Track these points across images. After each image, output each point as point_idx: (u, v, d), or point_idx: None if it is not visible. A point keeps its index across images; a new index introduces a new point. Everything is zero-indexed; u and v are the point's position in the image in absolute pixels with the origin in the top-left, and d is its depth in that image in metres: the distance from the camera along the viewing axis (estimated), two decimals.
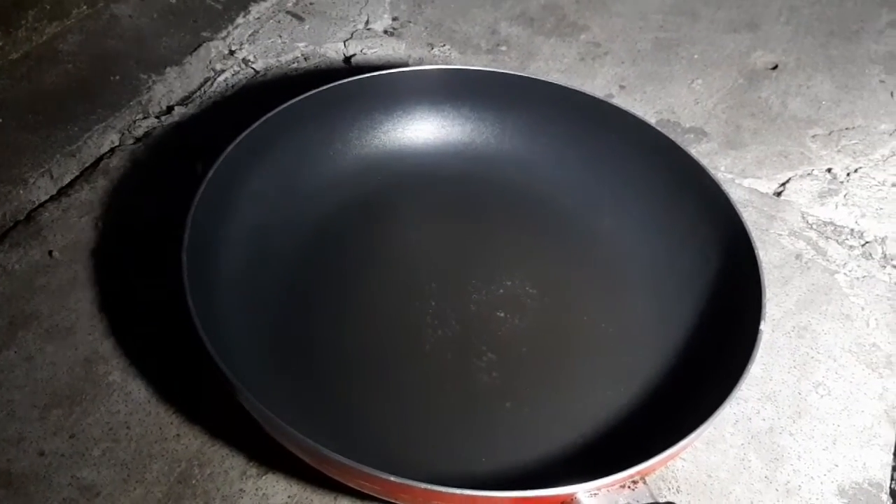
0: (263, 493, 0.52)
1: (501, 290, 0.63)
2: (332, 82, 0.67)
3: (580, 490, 0.44)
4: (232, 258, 0.59)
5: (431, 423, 0.56)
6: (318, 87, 0.66)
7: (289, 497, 0.52)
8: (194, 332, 0.48)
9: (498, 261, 0.65)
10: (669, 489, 0.54)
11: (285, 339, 0.58)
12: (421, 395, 0.57)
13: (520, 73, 0.71)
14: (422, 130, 0.72)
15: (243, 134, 0.61)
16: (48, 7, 0.80)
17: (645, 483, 0.47)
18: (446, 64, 0.87)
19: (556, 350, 0.60)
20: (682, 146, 0.64)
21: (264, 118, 0.63)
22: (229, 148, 0.60)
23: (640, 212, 0.66)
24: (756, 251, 0.57)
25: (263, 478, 0.53)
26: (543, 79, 0.70)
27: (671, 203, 0.65)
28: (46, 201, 0.69)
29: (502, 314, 0.61)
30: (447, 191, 0.71)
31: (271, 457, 0.53)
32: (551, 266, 0.65)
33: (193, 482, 0.52)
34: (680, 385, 0.56)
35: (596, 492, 0.45)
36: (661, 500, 0.46)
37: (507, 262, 0.65)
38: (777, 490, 0.55)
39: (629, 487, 0.46)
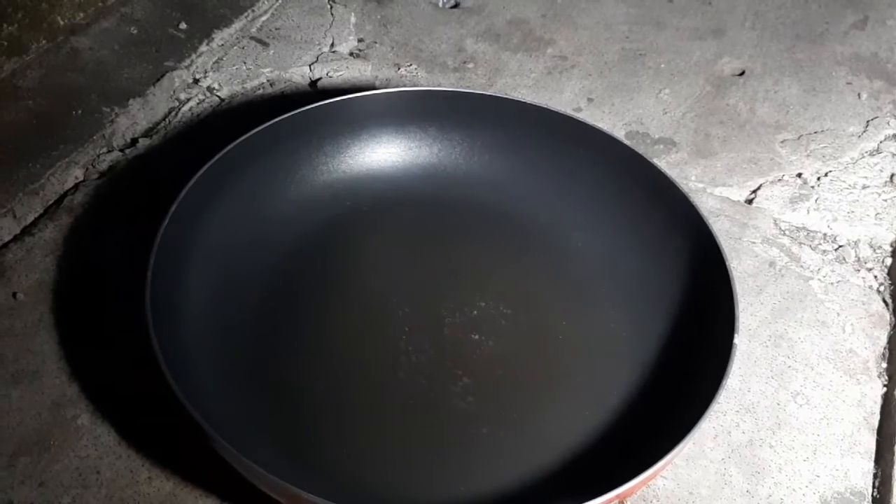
0: None
1: (475, 312, 0.62)
2: (296, 109, 0.67)
3: None
4: (198, 293, 0.58)
5: (408, 452, 0.55)
6: (282, 113, 0.66)
7: None
8: (161, 376, 0.47)
9: (471, 282, 0.65)
10: None
11: (256, 373, 0.57)
12: (396, 424, 0.56)
13: (486, 93, 0.70)
14: (389, 153, 0.71)
15: (206, 165, 0.61)
16: (6, 43, 0.79)
17: None
18: (413, 83, 0.87)
19: (532, 372, 0.59)
20: (650, 159, 0.64)
21: (227, 149, 0.63)
22: (192, 181, 0.59)
23: (612, 227, 0.66)
24: (727, 262, 0.56)
25: None
26: (510, 97, 0.70)
27: (642, 217, 0.65)
28: (10, 241, 0.68)
29: (476, 336, 0.61)
30: (417, 213, 0.70)
31: (244, 497, 0.52)
32: (525, 285, 0.65)
33: None
34: (657, 402, 0.56)
35: None
36: None
37: (480, 283, 0.64)
38: None
39: None
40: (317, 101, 0.68)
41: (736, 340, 0.52)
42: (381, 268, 0.66)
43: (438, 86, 0.86)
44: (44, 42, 0.83)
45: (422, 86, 0.87)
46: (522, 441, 0.55)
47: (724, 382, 0.49)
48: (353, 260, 0.66)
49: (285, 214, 0.67)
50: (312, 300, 0.63)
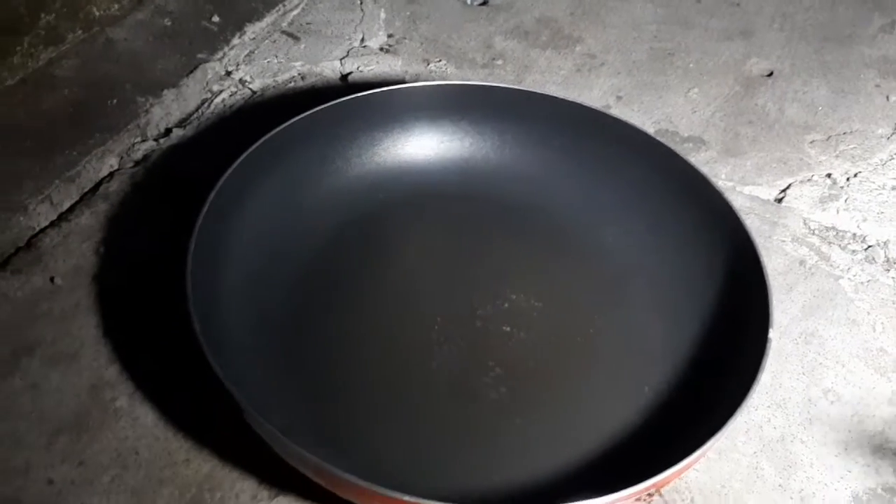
0: None
1: (506, 305, 0.63)
2: (329, 101, 0.67)
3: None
4: (235, 280, 0.59)
5: (441, 440, 0.55)
6: (315, 106, 0.66)
7: None
8: (203, 359, 0.47)
9: (502, 275, 0.65)
10: (683, 500, 0.54)
11: (292, 359, 0.58)
12: (429, 412, 0.57)
13: (518, 87, 0.71)
14: (421, 147, 0.72)
15: (243, 155, 0.61)
16: (43, 33, 0.80)
17: (661, 495, 0.47)
18: (443, 79, 0.88)
19: (564, 363, 0.60)
20: (683, 156, 0.64)
21: (263, 139, 0.63)
22: (229, 171, 0.60)
23: (644, 223, 0.66)
24: (761, 259, 0.57)
25: (275, 500, 0.52)
26: (542, 91, 0.70)
27: (674, 213, 0.65)
28: (47, 227, 0.69)
29: (508, 328, 0.61)
30: (448, 207, 0.70)
31: (282, 479, 0.53)
32: (556, 279, 0.65)
33: None
34: (689, 395, 0.56)
35: None
36: None
37: (511, 276, 0.65)
38: (791, 498, 0.54)
39: (644, 500, 0.46)
40: (347, 95, 0.68)
41: (771, 335, 0.52)
42: (413, 259, 0.67)
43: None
44: (80, 32, 0.84)
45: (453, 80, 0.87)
46: (555, 432, 0.56)
47: (759, 377, 0.50)
48: (385, 251, 0.67)
49: (319, 205, 0.67)
50: (346, 290, 0.63)
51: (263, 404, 0.48)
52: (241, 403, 0.46)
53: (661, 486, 0.47)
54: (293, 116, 0.65)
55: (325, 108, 0.66)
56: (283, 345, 0.59)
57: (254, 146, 0.62)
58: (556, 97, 0.70)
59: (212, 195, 0.58)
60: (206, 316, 0.51)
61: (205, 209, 0.57)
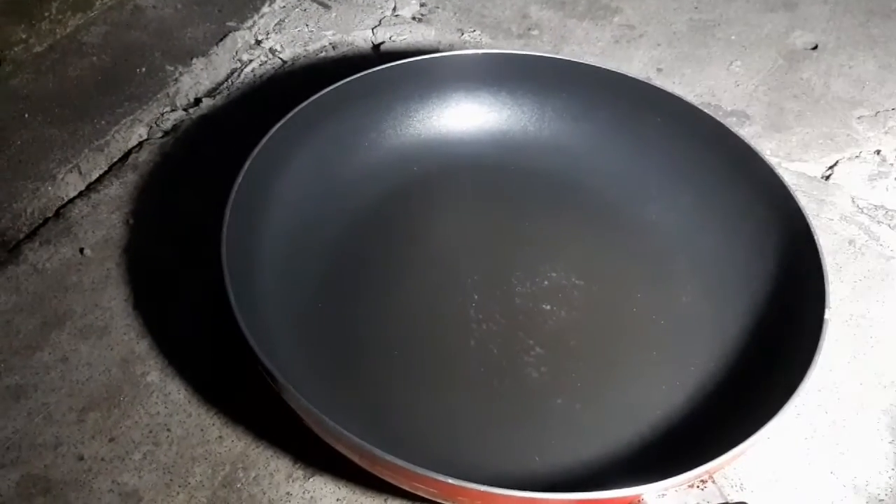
0: (311, 497, 0.50)
1: (546, 283, 0.61)
2: (363, 70, 0.65)
3: (649, 490, 0.42)
4: (270, 253, 0.57)
5: (480, 420, 0.54)
6: (348, 75, 0.64)
7: (337, 500, 0.50)
8: (239, 333, 0.46)
9: (541, 252, 0.63)
10: (732, 487, 0.52)
11: (327, 334, 0.56)
12: (468, 391, 0.55)
13: (559, 56, 0.68)
14: (458, 118, 0.70)
15: (276, 125, 0.60)
16: None
17: (714, 482, 0.45)
18: (478, 49, 0.85)
19: (607, 344, 0.58)
20: (732, 128, 0.62)
21: (297, 108, 0.61)
22: (265, 138, 0.58)
23: (689, 199, 0.64)
24: (816, 238, 0.54)
25: (311, 480, 0.51)
26: (583, 61, 0.68)
27: (721, 189, 0.62)
28: (75, 197, 0.68)
29: (548, 307, 0.59)
30: (485, 180, 0.68)
31: (318, 458, 0.51)
32: (597, 256, 0.63)
33: (238, 486, 0.51)
34: (739, 378, 0.54)
35: (664, 492, 0.43)
36: (731, 500, 0.44)
37: (551, 252, 0.63)
38: (844, 486, 0.52)
39: (698, 487, 0.44)
40: (380, 65, 0.66)
41: (827, 316, 0.50)
42: (450, 233, 0.65)
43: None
44: None
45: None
46: (598, 414, 0.54)
47: (816, 359, 0.48)
48: (421, 225, 0.65)
49: (353, 177, 0.66)
50: (381, 265, 0.62)
51: (300, 381, 0.46)
52: (279, 381, 0.44)
53: (715, 472, 0.45)
54: (325, 87, 0.63)
55: (359, 76, 0.64)
56: (319, 321, 0.57)
57: (287, 115, 0.60)
58: (599, 67, 0.67)
59: (246, 165, 0.56)
60: (240, 289, 0.49)
61: (239, 179, 0.55)
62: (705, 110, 0.64)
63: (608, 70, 0.67)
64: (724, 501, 0.44)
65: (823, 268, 0.53)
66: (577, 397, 0.54)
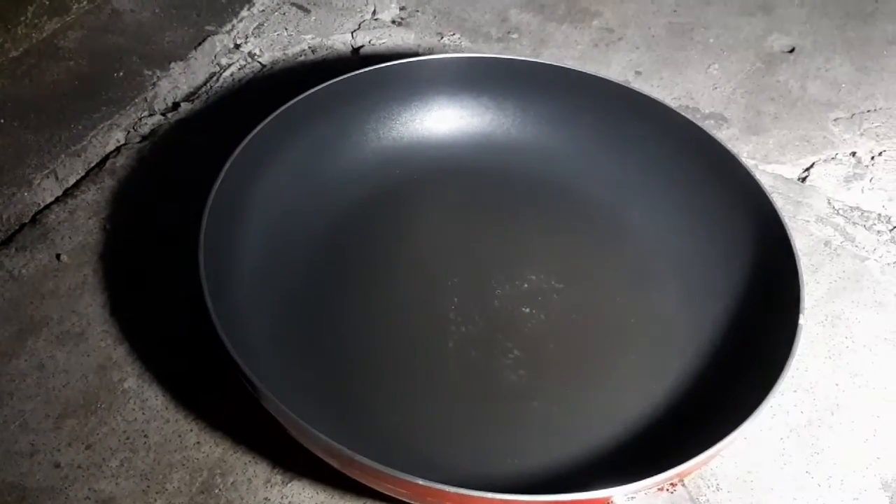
0: (290, 501, 0.50)
1: (526, 285, 0.61)
2: (343, 74, 0.65)
3: (617, 493, 0.42)
4: (248, 256, 0.57)
5: (457, 423, 0.54)
6: (327, 80, 0.64)
7: None
8: (215, 336, 0.46)
9: (521, 255, 0.63)
10: (709, 487, 0.52)
11: (306, 337, 0.56)
12: (446, 394, 0.55)
13: (540, 61, 0.69)
14: (441, 121, 0.70)
15: (258, 128, 0.59)
16: (47, 2, 0.78)
17: (684, 485, 0.45)
18: (460, 53, 0.85)
19: (585, 346, 0.58)
20: (710, 132, 0.62)
21: (278, 111, 0.61)
22: (243, 143, 0.58)
23: (668, 201, 0.65)
24: (791, 240, 0.55)
25: (289, 485, 0.51)
26: (565, 66, 0.68)
27: (701, 192, 0.63)
28: (52, 203, 0.67)
29: (527, 310, 0.59)
30: (467, 183, 0.68)
31: (296, 462, 0.51)
32: (576, 259, 0.63)
33: (216, 492, 0.50)
34: (715, 381, 0.54)
35: (633, 495, 0.43)
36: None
37: (531, 255, 0.63)
38: (819, 485, 0.53)
39: (668, 490, 0.45)
40: (360, 69, 0.66)
41: (801, 321, 0.50)
42: (431, 236, 0.65)
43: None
44: (85, 2, 0.82)
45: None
46: (575, 416, 0.54)
47: (789, 362, 0.48)
48: (402, 228, 0.65)
49: (335, 180, 0.65)
50: (361, 267, 0.61)
51: (279, 386, 0.46)
52: (257, 387, 0.44)
53: (687, 475, 0.45)
54: (304, 91, 0.63)
55: (341, 80, 0.64)
56: (297, 324, 0.57)
57: (267, 119, 0.60)
58: (580, 71, 0.67)
59: (223, 169, 0.56)
60: (218, 293, 0.49)
61: (217, 184, 0.55)
62: (684, 113, 0.64)
63: (589, 74, 0.67)
64: None
65: (799, 270, 0.53)
66: (553, 400, 0.55)
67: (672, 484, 0.45)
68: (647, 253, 0.63)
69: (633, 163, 0.66)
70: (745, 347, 0.54)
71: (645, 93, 0.66)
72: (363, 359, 0.56)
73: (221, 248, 0.54)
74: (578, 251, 0.64)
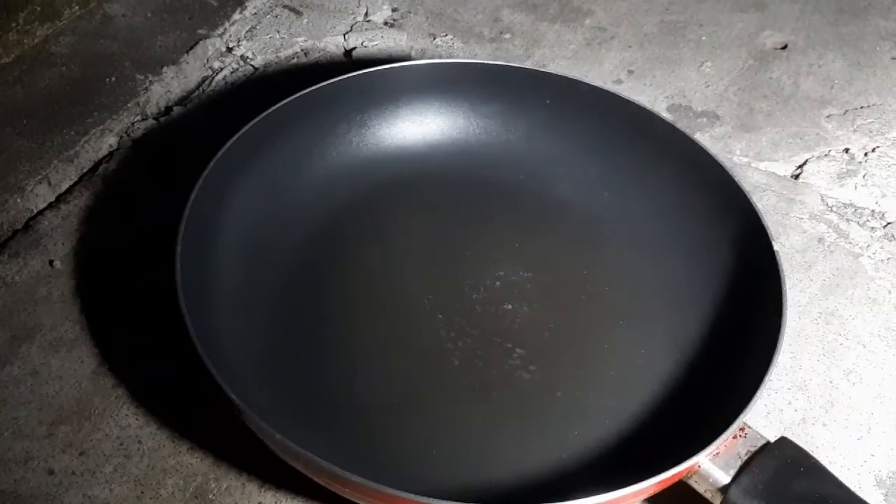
0: None
1: (498, 283, 0.61)
2: (331, 78, 0.65)
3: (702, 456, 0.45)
4: (229, 270, 0.57)
5: (493, 438, 0.52)
6: (315, 83, 0.64)
7: None
8: (197, 358, 0.45)
9: (485, 255, 0.63)
10: None
11: (291, 359, 0.56)
12: (470, 411, 0.54)
13: (521, 66, 0.69)
14: (420, 129, 0.69)
15: (234, 137, 0.59)
16: (39, 8, 0.78)
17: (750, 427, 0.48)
18: (449, 54, 0.86)
19: (577, 326, 0.59)
20: (690, 134, 0.62)
21: (255, 120, 0.61)
22: (217, 155, 0.58)
23: (648, 203, 0.65)
24: (771, 237, 0.55)
25: (283, 489, 0.51)
26: (545, 70, 0.69)
27: (683, 194, 0.63)
28: (45, 209, 0.67)
29: (509, 306, 0.59)
30: (445, 192, 0.68)
31: (290, 467, 0.51)
32: (540, 248, 0.64)
33: (210, 497, 0.50)
34: (699, 381, 0.55)
35: (717, 452, 0.45)
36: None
37: (495, 254, 0.63)
38: None
39: (740, 437, 0.47)
40: (352, 71, 0.66)
41: (785, 319, 0.50)
42: (404, 253, 0.64)
43: (474, 57, 0.85)
44: (76, 8, 0.82)
45: (458, 56, 0.85)
46: (597, 399, 0.54)
47: (775, 360, 0.48)
48: (376, 244, 0.64)
49: (313, 189, 0.65)
50: (346, 281, 0.61)
51: (262, 403, 0.46)
52: (239, 407, 0.44)
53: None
54: (295, 93, 0.63)
55: (318, 88, 0.64)
56: (279, 338, 0.56)
57: (244, 129, 0.59)
58: (559, 75, 0.68)
59: (199, 181, 0.55)
60: (200, 316, 0.48)
61: (192, 196, 0.54)
62: (676, 112, 0.65)
63: (567, 78, 0.67)
64: (765, 440, 0.47)
65: (780, 272, 0.53)
66: (573, 386, 0.55)
67: (741, 429, 0.47)
68: (628, 255, 0.63)
69: (615, 166, 0.66)
70: (731, 349, 0.55)
71: (621, 94, 0.66)
72: (368, 390, 0.55)
73: (200, 264, 0.54)
74: (543, 242, 0.64)
